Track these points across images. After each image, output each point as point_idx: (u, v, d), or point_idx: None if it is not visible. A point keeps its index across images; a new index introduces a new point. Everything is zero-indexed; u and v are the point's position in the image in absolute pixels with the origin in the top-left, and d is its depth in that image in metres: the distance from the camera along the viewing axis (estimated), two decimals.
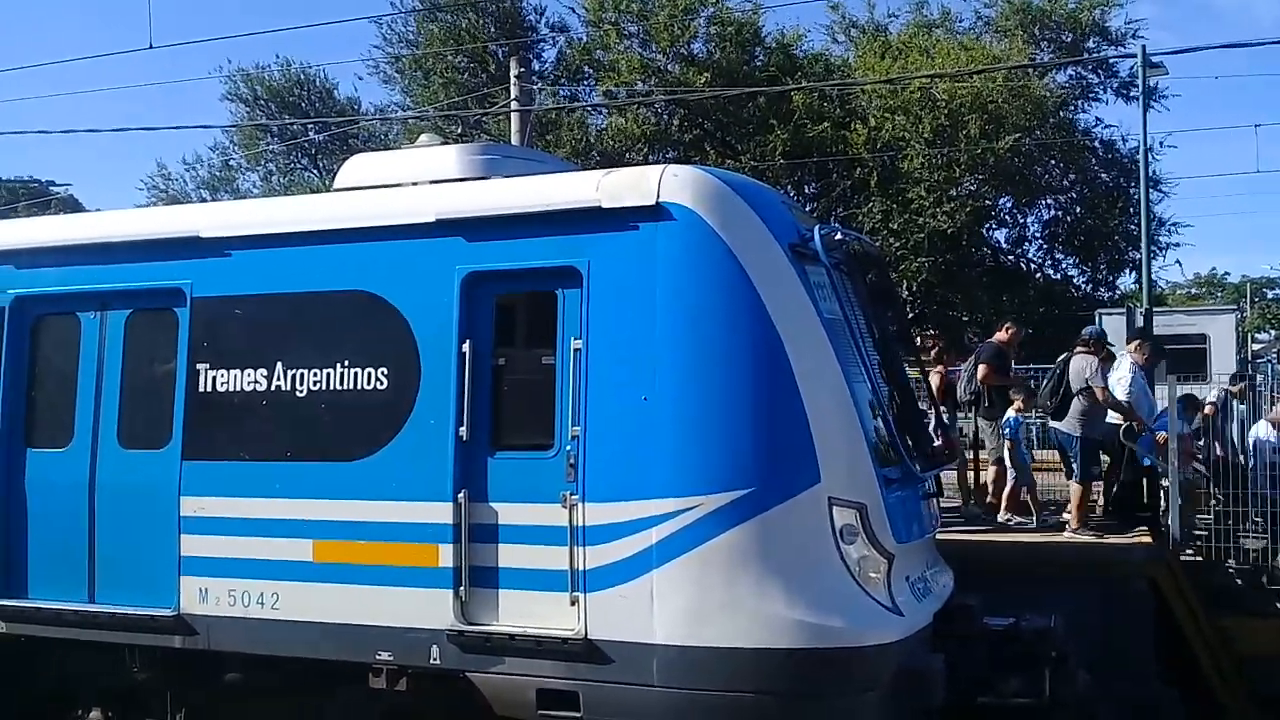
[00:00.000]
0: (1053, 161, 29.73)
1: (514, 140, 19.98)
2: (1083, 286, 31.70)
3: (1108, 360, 12.39)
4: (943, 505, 13.01)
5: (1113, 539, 11.63)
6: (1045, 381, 12.74)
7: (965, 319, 29.32)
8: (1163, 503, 11.94)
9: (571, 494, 7.18)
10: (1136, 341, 13.13)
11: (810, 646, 6.87)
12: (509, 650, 7.32)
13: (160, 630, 8.21)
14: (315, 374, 7.97)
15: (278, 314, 8.24)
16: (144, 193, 38.58)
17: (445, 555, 7.45)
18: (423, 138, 10.32)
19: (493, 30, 30.82)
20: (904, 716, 7.30)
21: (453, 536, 7.42)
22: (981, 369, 13.00)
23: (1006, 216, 31.62)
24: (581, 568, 7.13)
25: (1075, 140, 29.24)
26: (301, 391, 8.00)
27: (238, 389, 8.18)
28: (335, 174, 9.54)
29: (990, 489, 13.36)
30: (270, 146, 36.84)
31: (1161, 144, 29.64)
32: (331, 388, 7.91)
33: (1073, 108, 29.93)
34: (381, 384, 7.79)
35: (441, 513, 7.46)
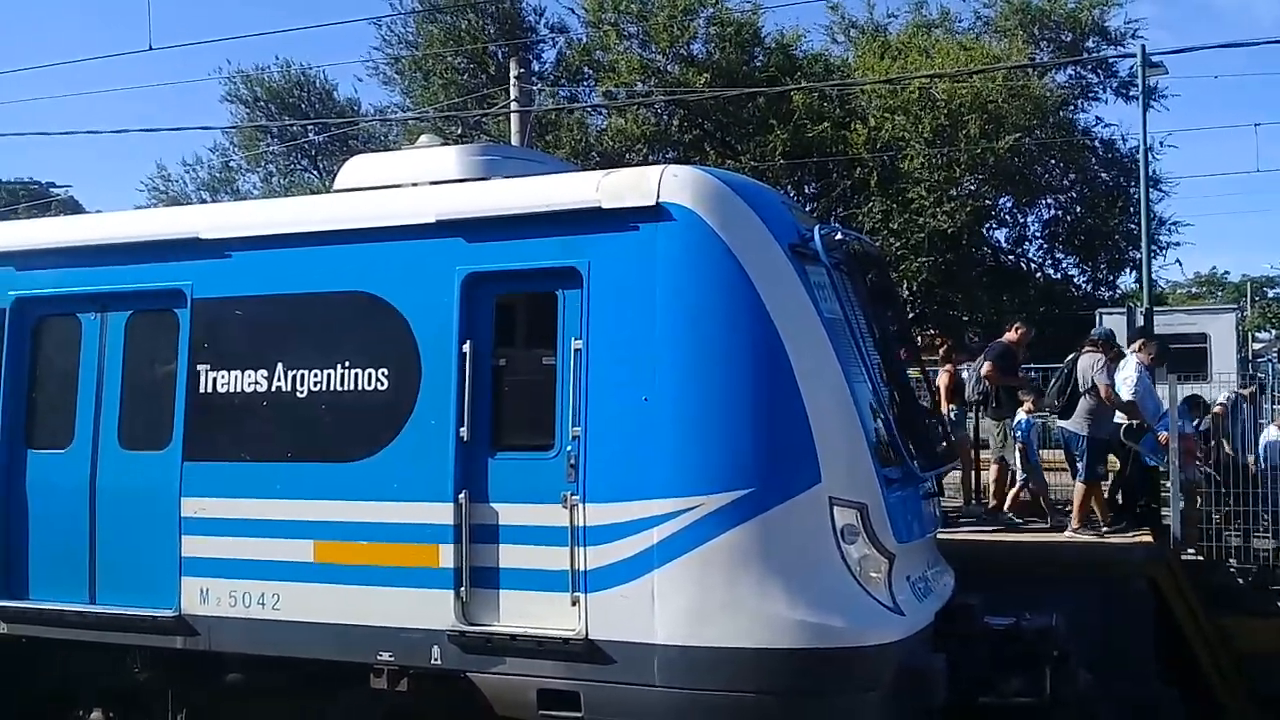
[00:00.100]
0: (1053, 161, 29.74)
1: (514, 141, 19.99)
2: (1083, 286, 31.72)
3: (1117, 360, 12.40)
4: (950, 505, 13.15)
5: (1113, 539, 11.63)
6: (1053, 381, 12.75)
7: (965, 319, 29.32)
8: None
9: (572, 494, 7.18)
10: (1141, 340, 13.14)
11: (811, 646, 6.87)
12: (510, 650, 7.32)
13: (161, 631, 8.21)
14: (316, 375, 7.97)
15: (278, 315, 8.24)
16: (144, 194, 38.65)
17: (446, 556, 7.45)
18: (423, 138, 10.32)
19: (492, 31, 30.83)
20: (905, 716, 7.30)
21: (453, 537, 7.42)
22: (986, 367, 13.01)
23: (1006, 216, 31.64)
24: (582, 568, 7.14)
25: (1075, 140, 29.25)
26: (302, 392, 8.00)
27: (238, 390, 8.18)
28: (335, 175, 9.55)
29: (991, 489, 13.36)
30: (270, 148, 36.86)
31: (1161, 143, 29.73)
32: (332, 389, 7.92)
33: (1072, 107, 29.95)
34: (382, 385, 7.79)
35: (442, 513, 7.46)
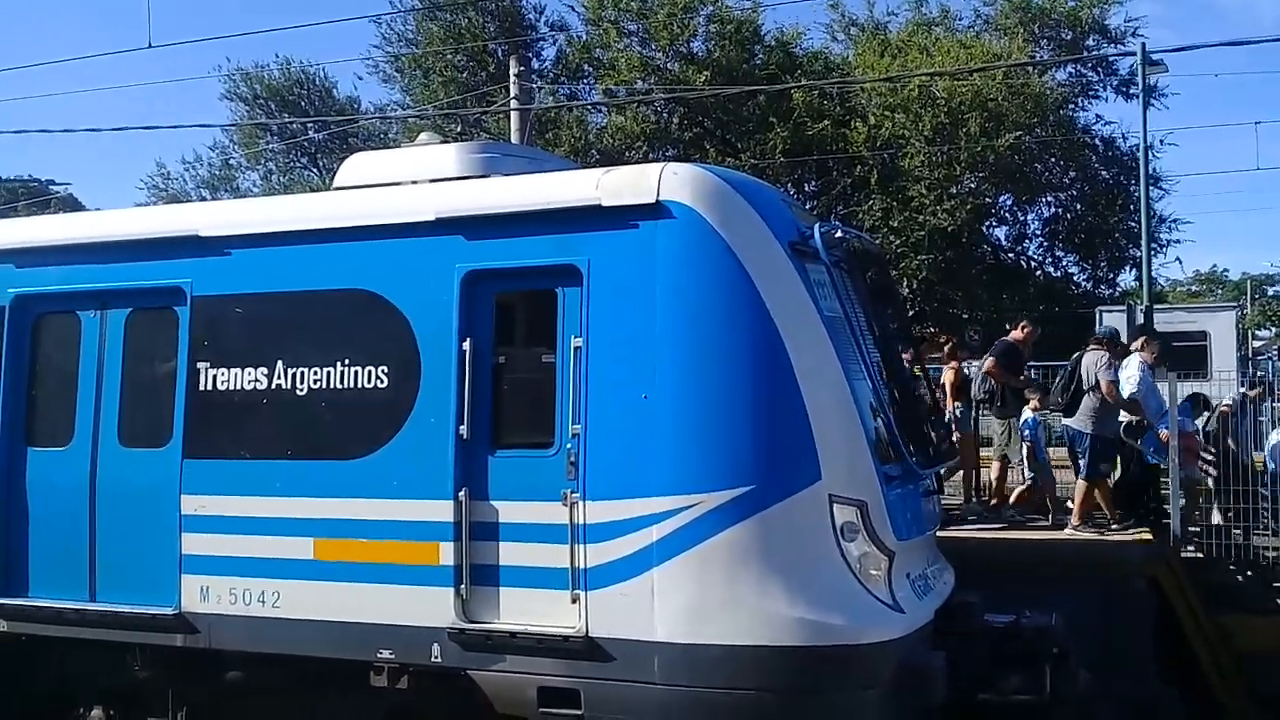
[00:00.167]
0: (1053, 159, 29.77)
1: (513, 139, 19.98)
2: (1083, 284, 31.75)
3: (1122, 357, 12.41)
4: (951, 504, 13.15)
5: (1113, 537, 11.63)
6: (1058, 378, 12.76)
7: (965, 317, 29.34)
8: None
9: (572, 492, 7.18)
10: (1144, 338, 13.15)
11: (811, 644, 6.87)
12: (510, 648, 7.32)
13: (161, 629, 8.21)
14: (316, 372, 7.97)
15: (278, 313, 8.24)
16: (144, 192, 38.66)
17: (446, 553, 7.45)
18: (422, 136, 10.31)
19: (492, 29, 30.84)
20: (905, 713, 7.30)
21: (454, 534, 7.42)
22: (988, 363, 13.02)
23: (1007, 214, 31.69)
24: (582, 565, 7.13)
25: (1075, 138, 29.28)
26: (302, 390, 8.00)
27: (238, 387, 8.18)
28: (335, 173, 9.54)
29: (993, 486, 13.36)
30: (270, 145, 36.88)
31: (1162, 141, 29.71)
32: (332, 386, 7.91)
33: (1073, 106, 29.97)
34: (382, 382, 7.79)
35: (442, 511, 7.46)
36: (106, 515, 8.51)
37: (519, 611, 7.34)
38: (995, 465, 13.29)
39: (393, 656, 7.63)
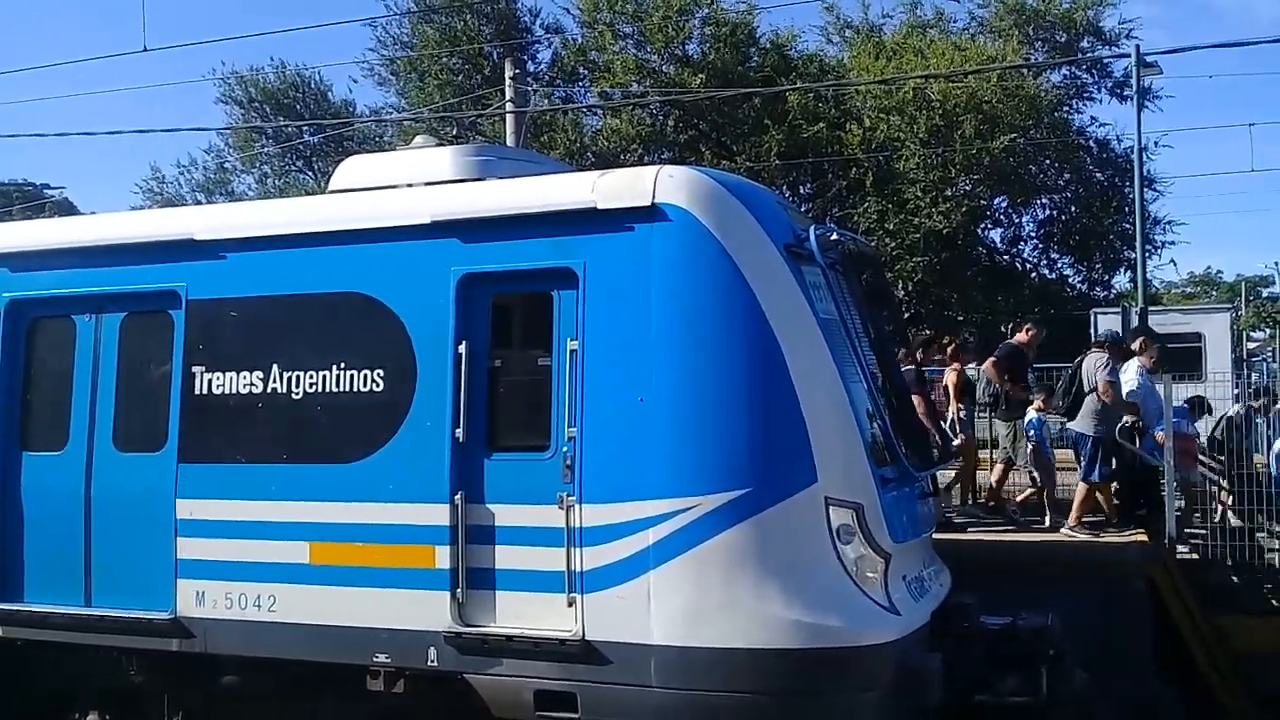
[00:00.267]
0: (1048, 161, 29.80)
1: (509, 142, 19.97)
2: (1078, 286, 31.79)
3: (1124, 360, 12.44)
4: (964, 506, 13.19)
5: (1109, 538, 11.64)
6: (1060, 381, 12.78)
7: (960, 319, 29.35)
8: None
9: (568, 495, 7.17)
10: (1142, 338, 13.18)
11: (808, 646, 6.87)
12: (506, 652, 7.31)
13: (157, 633, 8.19)
14: (311, 376, 7.95)
15: (273, 316, 8.23)
16: (139, 195, 38.62)
17: (442, 557, 7.44)
18: (418, 139, 10.30)
19: (488, 32, 30.84)
20: (902, 715, 7.30)
21: (450, 538, 7.41)
22: (988, 363, 13.02)
23: (1002, 216, 31.71)
24: (579, 569, 7.13)
25: (1070, 140, 29.31)
26: (297, 394, 7.99)
27: (233, 391, 8.16)
28: (330, 176, 9.53)
29: (994, 487, 13.37)
30: (265, 149, 36.85)
31: (1156, 143, 29.82)
32: (327, 390, 7.90)
33: (1067, 108, 30.00)
34: (378, 386, 7.78)
35: (438, 514, 7.45)
36: (102, 520, 8.49)
37: (515, 615, 7.33)
38: (999, 467, 13.28)
39: (389, 661, 7.62)
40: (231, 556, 7.97)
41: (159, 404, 8.41)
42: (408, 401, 7.66)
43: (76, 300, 8.83)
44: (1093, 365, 11.91)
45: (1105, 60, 29.72)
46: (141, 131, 31.10)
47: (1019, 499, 13.18)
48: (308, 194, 28.17)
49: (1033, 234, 32.38)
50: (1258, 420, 13.39)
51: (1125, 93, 28.61)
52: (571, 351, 7.30)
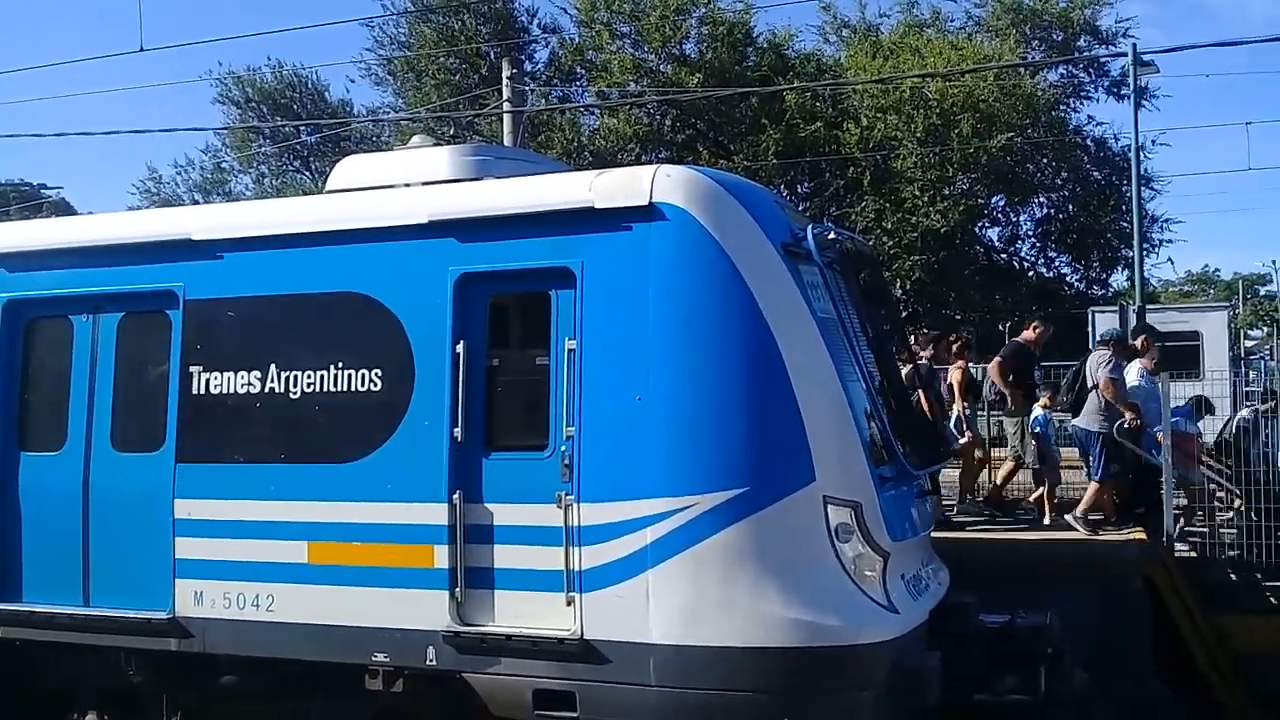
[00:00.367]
0: (1045, 160, 29.87)
1: (506, 141, 19.98)
2: (1076, 284, 31.87)
3: (1129, 358, 12.45)
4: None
5: (1108, 537, 11.64)
6: (1065, 378, 12.79)
7: (958, 318, 29.39)
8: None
9: (566, 494, 7.17)
10: (1144, 336, 13.21)
11: (806, 645, 6.87)
12: (505, 651, 7.31)
13: (155, 633, 8.19)
14: (309, 376, 7.95)
15: (271, 316, 8.22)
16: (136, 196, 38.61)
17: (441, 556, 7.43)
18: (415, 139, 10.29)
19: (485, 32, 30.85)
20: (900, 714, 7.29)
21: (448, 537, 7.41)
22: (993, 364, 13.03)
23: (999, 215, 31.79)
24: (577, 568, 7.13)
25: (1067, 139, 29.37)
26: (295, 393, 7.99)
27: (231, 391, 8.16)
28: (327, 176, 9.53)
29: (997, 485, 13.38)
30: (262, 149, 36.85)
31: (1154, 142, 29.83)
32: (325, 389, 7.90)
33: (1064, 107, 30.06)
34: (375, 385, 7.78)
35: (437, 514, 7.44)
36: (100, 520, 8.49)
37: (514, 614, 7.33)
38: (1009, 464, 13.28)
39: (387, 660, 7.61)
40: (230, 556, 7.97)
41: (157, 404, 8.40)
42: (406, 401, 7.66)
43: (74, 300, 8.83)
44: (1096, 362, 11.93)
45: (1102, 59, 29.85)
46: (139, 131, 31.13)
47: (1031, 498, 13.17)
48: (305, 194, 28.16)
49: (1030, 233, 32.48)
50: (1265, 423, 13.35)
51: (1122, 91, 28.66)
52: (569, 351, 7.30)
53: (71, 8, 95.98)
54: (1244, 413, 13.34)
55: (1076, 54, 29.47)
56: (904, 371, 10.34)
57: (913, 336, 14.32)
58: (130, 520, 8.35)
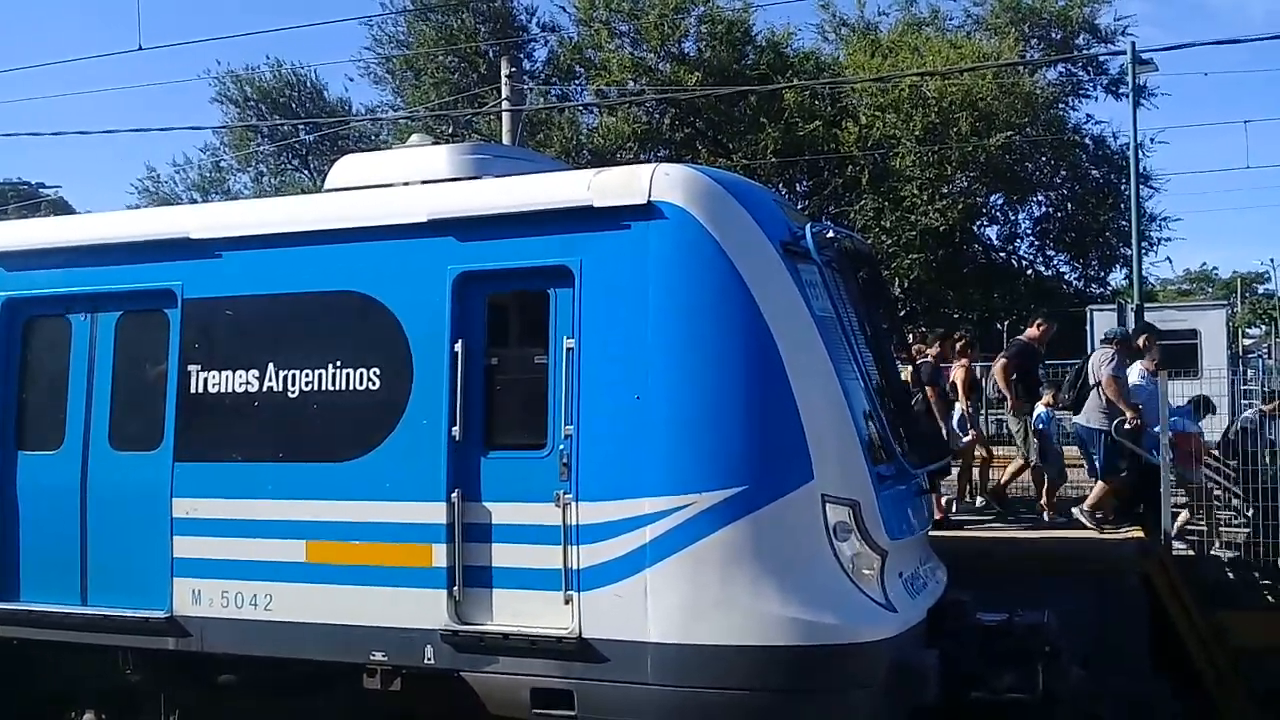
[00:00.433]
0: (1043, 158, 29.89)
1: (505, 140, 19.99)
2: (1074, 283, 31.88)
3: (1133, 357, 12.46)
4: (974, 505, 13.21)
5: (1106, 535, 11.65)
6: (1067, 376, 12.80)
7: (957, 316, 29.40)
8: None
9: (565, 493, 7.17)
10: (1146, 335, 13.22)
11: (804, 643, 6.87)
12: (503, 650, 7.31)
13: (153, 632, 8.18)
14: (307, 375, 7.94)
15: (269, 315, 8.22)
16: (134, 195, 38.61)
17: (439, 555, 7.43)
18: (414, 138, 10.30)
19: (484, 30, 30.85)
20: (898, 713, 7.30)
21: (446, 536, 7.40)
22: (997, 365, 13.04)
23: (998, 213, 31.81)
24: (575, 567, 7.12)
25: (1066, 137, 29.40)
26: (293, 392, 7.98)
27: (229, 390, 8.15)
28: (326, 174, 9.52)
29: (1004, 479, 13.40)
30: (261, 147, 36.85)
31: (1152, 140, 29.86)
32: (324, 388, 7.89)
33: (1063, 105, 30.09)
34: (374, 384, 7.77)
35: (435, 513, 7.44)
36: (98, 519, 8.48)
37: (512, 613, 7.33)
38: (1016, 462, 13.28)
39: (385, 659, 7.61)
40: (228, 555, 7.96)
41: (155, 403, 8.40)
42: (404, 400, 7.66)
43: (72, 299, 8.82)
44: (1099, 360, 11.95)
45: (1101, 57, 29.85)
46: (137, 130, 31.13)
47: (1040, 503, 13.15)
48: (303, 193, 28.14)
49: (1029, 231, 32.51)
50: (1268, 423, 13.35)
51: (1121, 90, 28.69)
52: (568, 350, 7.30)
53: (70, 7, 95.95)
54: (1249, 413, 13.35)
55: (1075, 52, 29.48)
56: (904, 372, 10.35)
57: (916, 334, 14.33)
58: (128, 519, 8.34)
